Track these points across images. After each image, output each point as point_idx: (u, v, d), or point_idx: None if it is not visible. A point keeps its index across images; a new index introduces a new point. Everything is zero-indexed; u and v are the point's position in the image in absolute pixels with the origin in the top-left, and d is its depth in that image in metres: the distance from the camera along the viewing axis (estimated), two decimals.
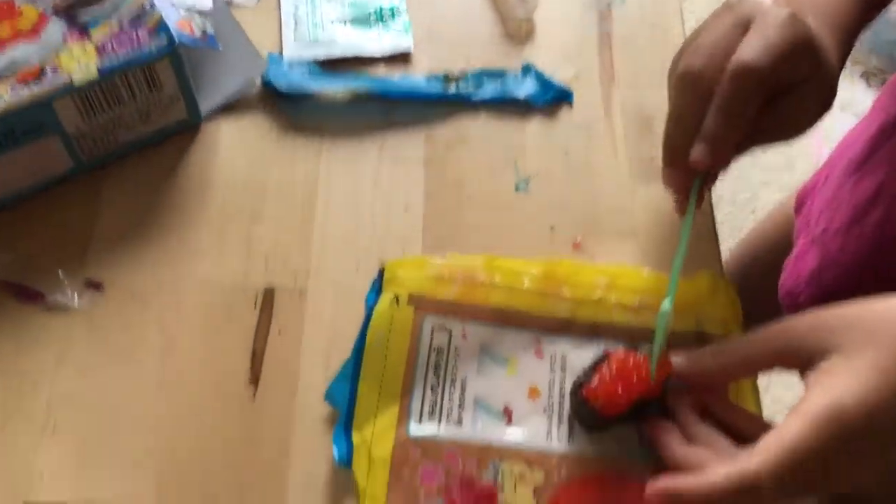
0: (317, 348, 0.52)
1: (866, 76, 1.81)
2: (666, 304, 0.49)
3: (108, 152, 0.57)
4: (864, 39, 1.78)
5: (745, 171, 1.70)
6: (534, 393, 0.51)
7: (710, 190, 0.54)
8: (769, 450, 0.40)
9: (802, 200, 0.73)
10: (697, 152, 0.48)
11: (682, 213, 0.52)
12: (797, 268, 0.69)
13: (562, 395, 0.51)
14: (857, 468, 0.41)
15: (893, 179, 0.57)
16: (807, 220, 0.70)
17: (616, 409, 0.47)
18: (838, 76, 0.50)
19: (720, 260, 0.57)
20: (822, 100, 0.49)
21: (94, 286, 0.53)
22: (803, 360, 0.42)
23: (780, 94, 0.48)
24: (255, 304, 0.54)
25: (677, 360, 0.48)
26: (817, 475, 0.40)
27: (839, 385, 0.39)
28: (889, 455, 0.41)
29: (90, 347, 0.52)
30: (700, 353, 0.47)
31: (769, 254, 0.82)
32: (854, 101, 1.77)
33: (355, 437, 0.49)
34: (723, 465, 0.41)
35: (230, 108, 0.61)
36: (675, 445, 0.46)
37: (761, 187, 1.69)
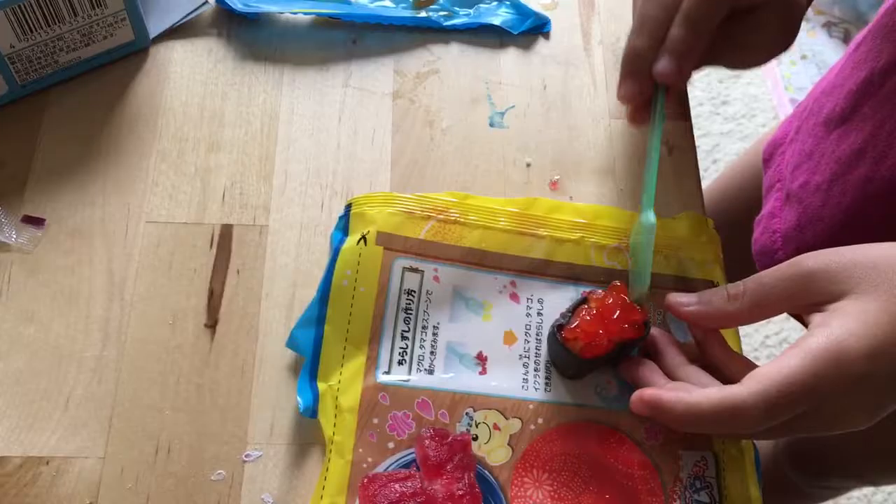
0: (279, 290, 0.49)
1: (828, 26, 1.80)
2: (650, 217, 0.47)
3: (48, 76, 0.52)
4: None
5: (706, 120, 1.69)
6: (509, 338, 0.49)
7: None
8: (762, 378, 0.39)
9: (771, 153, 0.71)
10: (663, 64, 0.48)
11: (637, 123, 0.52)
12: (771, 225, 0.67)
13: (538, 341, 0.49)
14: (849, 412, 0.40)
15: (879, 136, 0.55)
16: (779, 174, 0.68)
17: (596, 350, 0.45)
18: (803, 10, 0.50)
19: (702, 199, 0.54)
20: (782, 29, 0.49)
21: (35, 222, 0.49)
22: (813, 303, 0.41)
23: (740, 13, 0.48)
24: (212, 242, 0.50)
25: (682, 298, 0.45)
26: (807, 412, 0.39)
27: (845, 325, 0.38)
28: (882, 403, 0.39)
29: (31, 289, 0.48)
30: (711, 295, 0.45)
31: (735, 209, 0.80)
32: (815, 51, 1.76)
33: (321, 386, 0.46)
34: (717, 387, 0.41)
35: (181, 30, 0.56)
36: (659, 380, 0.44)
37: (722, 137, 1.68)
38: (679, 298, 0.46)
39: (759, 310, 0.43)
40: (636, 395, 0.43)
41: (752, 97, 1.72)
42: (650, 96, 0.50)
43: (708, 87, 1.71)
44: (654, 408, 0.42)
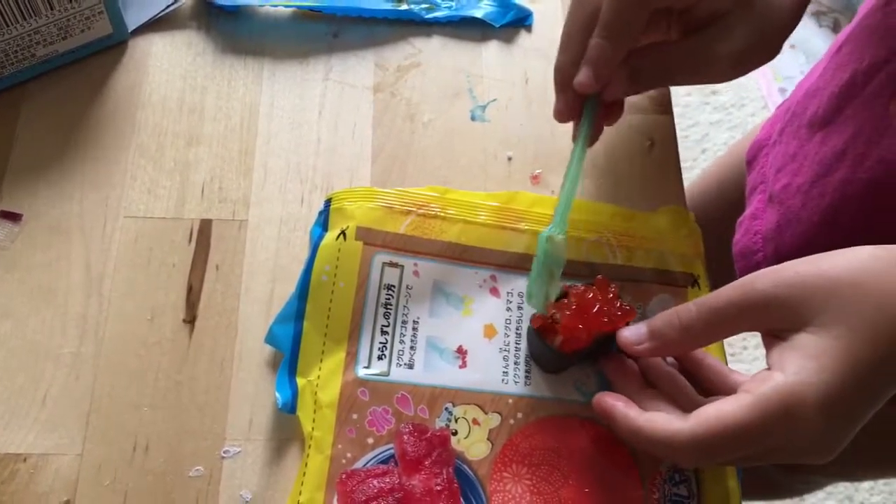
0: (258, 286, 0.49)
1: (818, 15, 1.80)
2: (551, 232, 0.46)
3: (25, 69, 0.51)
4: None
5: (695, 111, 1.69)
6: (489, 331, 0.49)
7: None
8: (701, 420, 0.38)
9: (755, 154, 0.71)
10: (581, 75, 0.47)
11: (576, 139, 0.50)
12: (753, 226, 0.67)
13: (518, 335, 0.49)
14: (804, 453, 0.39)
15: (859, 138, 0.55)
16: (762, 176, 0.68)
17: (576, 344, 0.45)
18: (784, 18, 0.47)
19: (683, 193, 0.54)
20: (755, 36, 0.46)
21: (11, 218, 0.49)
22: (771, 328, 0.40)
23: (701, 25, 0.46)
24: (191, 236, 0.50)
25: (630, 336, 0.44)
26: (759, 452, 0.39)
27: (801, 371, 0.37)
28: (838, 443, 0.39)
29: (7, 286, 0.47)
30: (662, 326, 0.43)
31: (715, 208, 0.80)
32: (804, 40, 1.76)
33: (300, 381, 0.46)
34: (663, 416, 0.40)
35: (160, 23, 0.55)
36: (632, 391, 0.44)
37: (711, 127, 1.68)
38: (628, 336, 0.44)
39: (714, 336, 0.42)
40: (596, 397, 0.44)
41: (740, 86, 1.73)
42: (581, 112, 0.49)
43: None
44: (606, 416, 0.43)
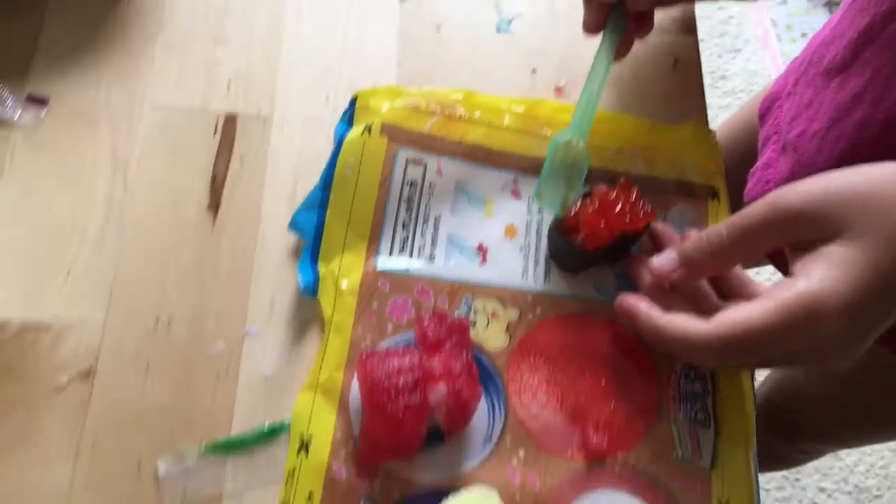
0: (281, 178, 0.49)
1: (829, 5, 1.80)
2: (570, 137, 0.47)
3: None
4: None
5: (705, 93, 1.69)
6: (510, 231, 0.49)
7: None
8: (724, 322, 0.39)
9: (767, 107, 0.71)
10: None
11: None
12: (765, 175, 0.67)
13: (539, 237, 0.49)
14: (822, 358, 0.40)
15: (877, 79, 0.55)
16: (776, 127, 0.68)
17: (597, 241, 0.45)
18: None
19: (705, 111, 0.55)
20: None
21: (39, 101, 0.49)
22: (800, 241, 0.40)
23: None
24: (216, 129, 0.50)
25: (664, 264, 0.44)
26: (780, 354, 0.39)
27: (826, 279, 0.38)
28: (857, 348, 0.39)
29: (33, 166, 0.47)
30: (692, 251, 0.43)
31: (728, 164, 0.80)
32: (816, 29, 1.77)
33: (321, 268, 0.46)
34: (685, 317, 0.41)
35: None
36: (655, 293, 0.45)
37: (720, 111, 1.69)
38: (661, 265, 0.44)
39: (745, 254, 0.42)
40: (619, 297, 0.44)
41: (751, 73, 1.73)
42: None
43: (707, 61, 1.72)
44: (628, 316, 0.43)
